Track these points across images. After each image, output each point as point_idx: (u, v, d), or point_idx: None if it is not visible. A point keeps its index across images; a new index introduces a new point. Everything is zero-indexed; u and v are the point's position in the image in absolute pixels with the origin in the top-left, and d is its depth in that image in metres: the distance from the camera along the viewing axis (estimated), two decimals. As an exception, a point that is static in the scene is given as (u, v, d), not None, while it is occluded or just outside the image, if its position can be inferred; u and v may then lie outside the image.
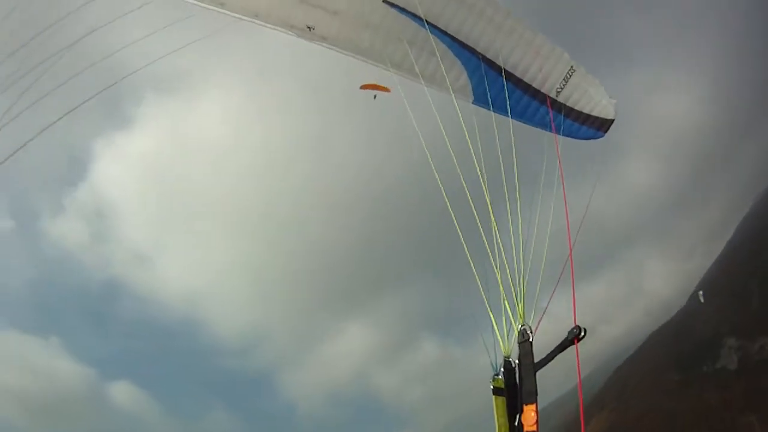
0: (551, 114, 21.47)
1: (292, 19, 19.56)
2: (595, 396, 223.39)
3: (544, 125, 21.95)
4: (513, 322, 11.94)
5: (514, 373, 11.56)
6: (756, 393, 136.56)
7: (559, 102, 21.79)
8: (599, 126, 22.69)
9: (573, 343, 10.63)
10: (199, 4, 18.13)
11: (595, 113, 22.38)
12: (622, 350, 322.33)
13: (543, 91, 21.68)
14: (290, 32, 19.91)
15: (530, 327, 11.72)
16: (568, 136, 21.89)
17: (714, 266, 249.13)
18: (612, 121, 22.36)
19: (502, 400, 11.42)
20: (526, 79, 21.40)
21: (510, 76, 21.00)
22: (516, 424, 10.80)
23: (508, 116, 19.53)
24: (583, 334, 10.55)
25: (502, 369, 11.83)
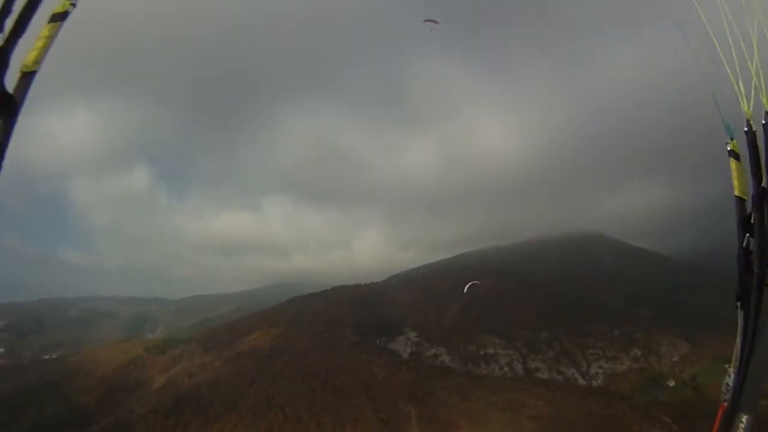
0: None
1: None
2: (266, 312, 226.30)
3: None
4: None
5: (755, 138, 9.79)
6: (419, 389, 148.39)
7: None
8: None
9: None
10: None
11: None
12: (305, 284, 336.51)
13: None
14: None
15: None
16: None
17: (428, 267, 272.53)
18: None
19: (738, 164, 9.73)
20: None
21: None
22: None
23: None
24: None
25: (745, 129, 9.76)
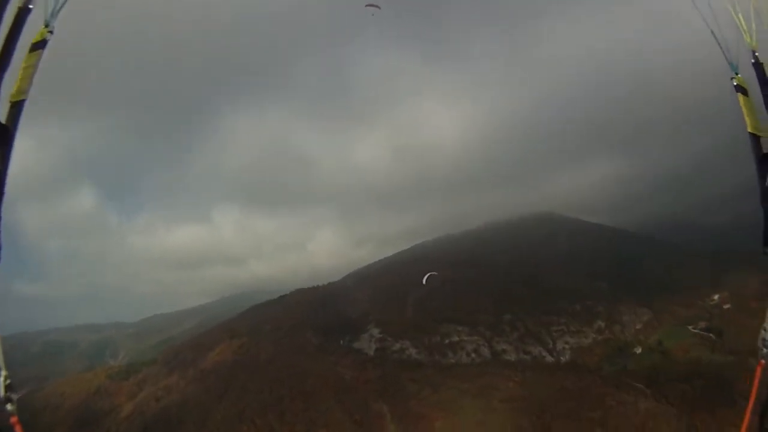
0: None
1: None
2: (226, 324, 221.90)
3: None
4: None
5: (762, 66, 10.26)
6: (389, 385, 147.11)
7: None
8: None
9: None
10: None
11: None
12: (264, 290, 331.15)
13: None
14: None
15: None
16: None
17: (383, 262, 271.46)
18: None
19: (746, 98, 10.25)
20: None
21: None
22: None
23: None
24: None
25: (752, 61, 10.31)
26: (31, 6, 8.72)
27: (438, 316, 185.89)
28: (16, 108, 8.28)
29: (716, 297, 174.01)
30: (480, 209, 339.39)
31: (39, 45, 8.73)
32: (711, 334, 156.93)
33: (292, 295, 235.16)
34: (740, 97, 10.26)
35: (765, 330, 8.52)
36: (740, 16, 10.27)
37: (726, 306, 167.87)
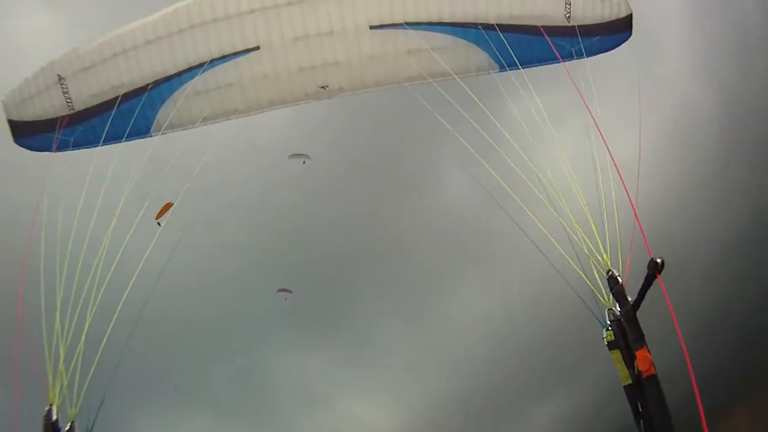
0: (576, 41, 19.54)
1: (305, 89, 20.22)
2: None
3: (571, 55, 19.61)
4: (595, 271, 11.46)
5: (621, 323, 10.99)
6: None
7: (574, 26, 19.72)
8: (620, 28, 20.15)
9: (656, 277, 10.08)
10: (217, 121, 20.02)
11: (608, 18, 19.89)
12: None
13: (556, 24, 19.79)
14: (309, 101, 20.60)
15: (615, 270, 11.37)
16: (596, 53, 19.88)
17: None
18: (630, 15, 20.02)
19: (617, 352, 10.81)
20: (533, 23, 19.79)
21: (520, 29, 19.66)
22: (636, 372, 10.21)
23: (545, 63, 19.43)
24: (662, 265, 9.98)
25: (608, 321, 11.12)
26: None
27: None
28: None
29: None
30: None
31: None
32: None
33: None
34: (613, 354, 10.59)
35: None
36: (596, 274, 11.18)
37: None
